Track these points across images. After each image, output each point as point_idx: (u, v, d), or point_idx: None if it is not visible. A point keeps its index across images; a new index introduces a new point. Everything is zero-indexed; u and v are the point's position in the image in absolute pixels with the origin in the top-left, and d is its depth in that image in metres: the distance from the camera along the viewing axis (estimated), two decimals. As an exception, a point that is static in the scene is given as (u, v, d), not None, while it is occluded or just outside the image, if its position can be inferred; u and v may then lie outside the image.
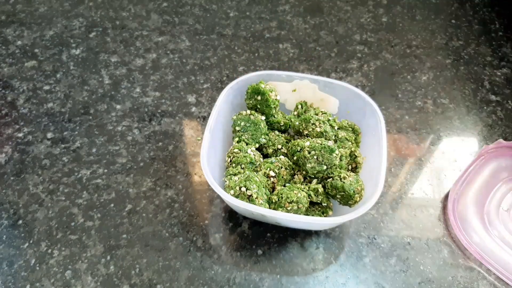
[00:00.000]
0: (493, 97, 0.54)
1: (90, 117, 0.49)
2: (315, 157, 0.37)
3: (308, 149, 0.37)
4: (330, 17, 0.64)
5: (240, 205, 0.33)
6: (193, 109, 0.50)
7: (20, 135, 0.47)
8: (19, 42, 0.57)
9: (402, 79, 0.56)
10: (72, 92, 0.52)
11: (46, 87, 0.52)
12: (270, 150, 0.41)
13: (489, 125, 0.51)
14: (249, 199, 0.34)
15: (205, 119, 0.50)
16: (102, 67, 0.55)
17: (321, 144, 0.37)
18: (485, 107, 0.53)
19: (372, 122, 0.41)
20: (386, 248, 0.40)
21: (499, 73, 0.57)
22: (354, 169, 0.40)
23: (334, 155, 0.36)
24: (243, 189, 0.34)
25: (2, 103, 0.50)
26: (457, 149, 0.48)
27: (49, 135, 0.47)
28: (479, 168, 0.45)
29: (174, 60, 0.56)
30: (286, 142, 0.42)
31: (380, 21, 0.64)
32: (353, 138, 0.42)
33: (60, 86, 0.52)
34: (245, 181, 0.35)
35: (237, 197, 0.34)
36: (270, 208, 0.35)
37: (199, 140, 0.48)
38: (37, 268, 0.37)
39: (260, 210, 0.33)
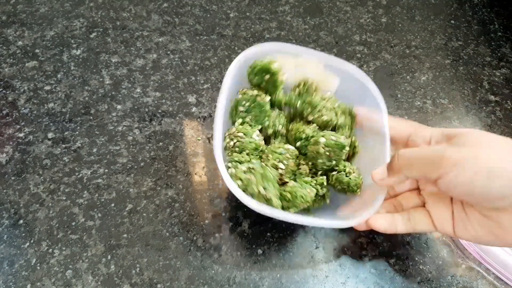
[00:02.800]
0: (492, 97, 0.54)
1: (91, 117, 0.49)
2: (327, 153, 0.36)
3: (323, 146, 0.36)
4: (330, 17, 0.64)
5: (264, 211, 0.32)
6: (194, 109, 0.51)
7: (21, 135, 0.47)
8: (20, 43, 0.57)
9: (401, 79, 0.56)
10: (73, 92, 0.52)
11: (47, 87, 0.52)
12: (270, 131, 0.40)
13: (488, 125, 0.51)
14: (267, 200, 0.33)
15: (205, 119, 0.50)
16: (103, 68, 0.55)
17: (335, 142, 0.35)
18: (484, 107, 0.53)
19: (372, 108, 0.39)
20: (386, 247, 0.40)
21: (498, 73, 0.57)
22: (351, 157, 0.40)
23: (344, 151, 0.36)
24: (262, 190, 0.33)
25: (3, 103, 0.50)
26: (457, 149, 0.49)
27: (50, 135, 0.47)
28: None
29: (175, 60, 0.56)
30: (286, 122, 0.41)
31: (379, 22, 0.64)
32: (349, 123, 0.40)
33: (61, 86, 0.52)
34: (262, 180, 0.33)
35: (253, 196, 0.33)
36: (282, 205, 0.35)
37: (199, 140, 0.48)
38: (38, 267, 0.37)
39: (282, 216, 0.32)
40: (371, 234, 0.41)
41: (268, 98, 0.39)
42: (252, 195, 0.33)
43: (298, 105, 0.40)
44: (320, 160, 0.36)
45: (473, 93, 0.55)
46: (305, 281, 0.37)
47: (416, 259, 0.39)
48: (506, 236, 0.30)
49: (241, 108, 0.38)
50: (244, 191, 0.33)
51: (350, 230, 0.41)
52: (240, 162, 0.35)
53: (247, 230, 0.40)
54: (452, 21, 0.65)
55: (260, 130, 0.40)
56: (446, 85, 0.56)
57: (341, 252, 0.39)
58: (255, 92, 0.39)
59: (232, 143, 0.37)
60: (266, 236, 0.40)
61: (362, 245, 0.40)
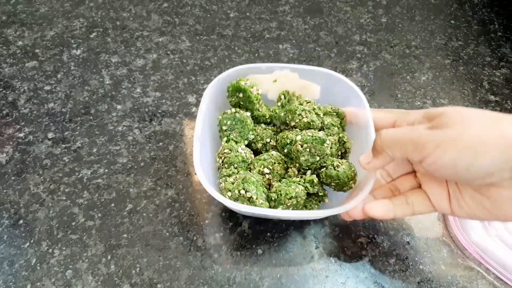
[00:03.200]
0: (492, 97, 0.54)
1: (91, 117, 0.49)
2: (307, 149, 0.37)
3: (300, 143, 0.37)
4: (330, 17, 0.64)
5: (243, 209, 0.33)
6: (194, 109, 0.51)
7: (21, 135, 0.47)
8: (20, 43, 0.57)
9: (401, 79, 0.56)
10: (72, 92, 0.52)
11: (47, 87, 0.52)
12: (259, 145, 0.41)
13: (488, 125, 0.51)
14: (249, 200, 0.34)
15: (205, 119, 0.50)
16: (103, 68, 0.55)
17: (312, 136, 0.37)
18: (484, 107, 0.53)
19: (355, 105, 0.41)
20: (386, 247, 0.40)
21: (498, 73, 0.57)
22: (344, 154, 0.40)
23: (326, 145, 0.37)
24: (242, 191, 0.34)
25: (3, 103, 0.50)
26: (457, 149, 0.49)
27: (50, 135, 0.47)
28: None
29: (175, 60, 0.56)
30: (274, 134, 0.42)
31: (379, 22, 0.64)
32: (338, 122, 0.42)
33: (61, 86, 0.52)
34: (242, 183, 0.35)
35: (236, 199, 0.34)
36: (270, 205, 0.36)
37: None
38: (38, 267, 0.37)
39: (264, 212, 0.33)
40: (371, 234, 0.41)
41: (248, 113, 0.42)
42: (236, 199, 0.34)
43: (281, 116, 0.42)
44: (303, 158, 0.37)
45: (473, 93, 0.55)
46: (305, 281, 0.37)
47: (416, 259, 0.39)
48: (496, 211, 0.30)
49: (224, 127, 0.41)
50: (236, 200, 0.35)
51: (350, 230, 0.41)
52: (229, 176, 0.37)
53: (247, 230, 0.40)
54: (452, 21, 0.65)
55: (249, 146, 0.42)
56: (446, 85, 0.56)
57: (341, 252, 0.39)
58: (234, 110, 0.41)
59: (221, 161, 0.39)
60: (266, 236, 0.40)
61: (362, 245, 0.40)
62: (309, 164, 0.38)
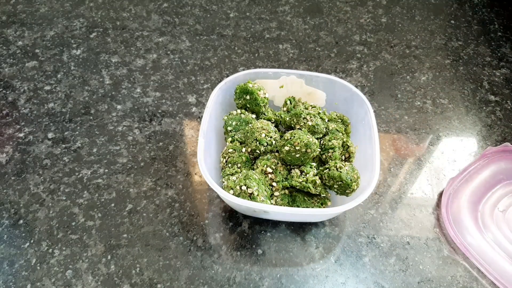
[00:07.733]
0: (492, 97, 0.54)
1: (91, 117, 0.49)
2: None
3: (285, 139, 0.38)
4: (330, 17, 0.64)
5: (243, 204, 0.33)
6: (193, 109, 0.51)
7: (21, 135, 0.47)
8: (20, 43, 0.57)
9: (401, 79, 0.56)
10: (72, 92, 0.52)
11: (47, 87, 0.52)
12: (262, 148, 0.42)
13: (488, 125, 0.51)
14: (251, 197, 0.34)
15: (205, 119, 0.50)
16: (103, 68, 0.55)
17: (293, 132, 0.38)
18: (484, 107, 0.53)
19: (360, 111, 0.42)
20: (386, 247, 0.40)
21: (498, 73, 0.57)
22: (348, 159, 0.41)
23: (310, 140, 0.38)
24: (244, 187, 0.34)
25: (3, 103, 0.50)
26: (456, 149, 0.49)
27: (50, 135, 0.47)
28: (481, 168, 0.45)
29: (175, 60, 0.56)
30: (280, 138, 0.42)
31: (379, 22, 0.64)
32: (343, 129, 0.43)
33: (61, 86, 0.52)
34: (244, 179, 0.35)
35: (238, 196, 0.34)
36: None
37: (199, 140, 0.48)
38: (38, 267, 0.37)
39: (265, 207, 0.33)
40: (371, 234, 0.41)
41: (253, 115, 0.43)
42: (238, 195, 0.35)
43: (287, 120, 0.42)
44: (291, 156, 0.38)
45: (473, 93, 0.55)
46: (305, 281, 0.37)
47: (416, 259, 0.39)
48: None
49: (229, 128, 0.42)
50: (238, 196, 0.35)
51: (349, 230, 0.41)
52: (232, 174, 0.38)
53: (247, 230, 0.40)
54: (452, 21, 0.65)
55: (254, 150, 0.42)
56: (446, 85, 0.56)
57: (341, 252, 0.39)
58: (239, 111, 0.43)
59: (224, 160, 0.40)
60: (266, 236, 0.40)
61: (362, 245, 0.40)
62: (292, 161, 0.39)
